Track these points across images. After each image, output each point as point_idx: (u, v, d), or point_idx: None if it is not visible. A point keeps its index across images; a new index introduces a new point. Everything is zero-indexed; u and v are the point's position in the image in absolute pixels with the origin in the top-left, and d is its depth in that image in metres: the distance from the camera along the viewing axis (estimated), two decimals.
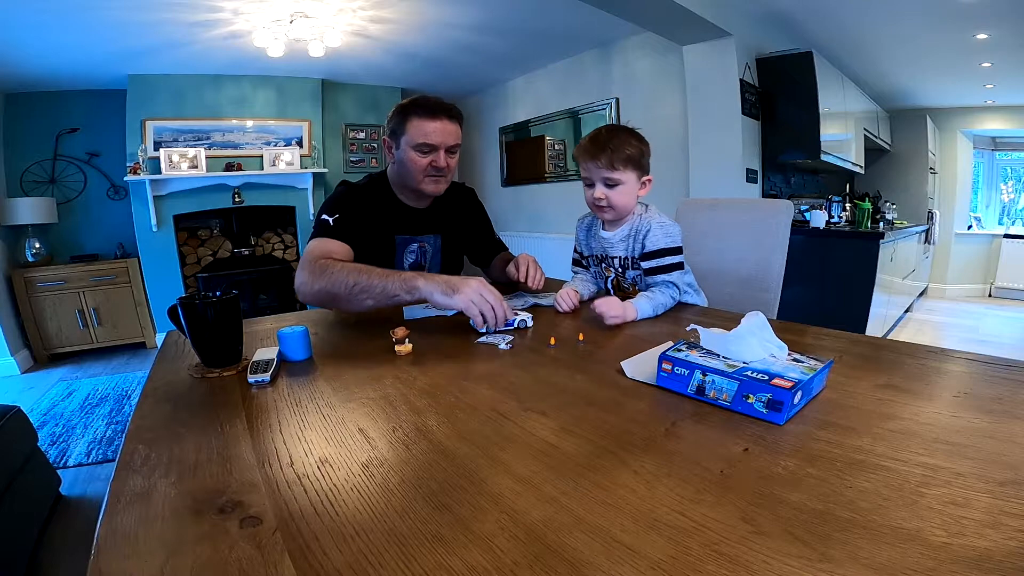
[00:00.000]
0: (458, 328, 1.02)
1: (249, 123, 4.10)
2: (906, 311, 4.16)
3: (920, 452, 0.50)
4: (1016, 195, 5.47)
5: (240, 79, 3.99)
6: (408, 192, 1.32)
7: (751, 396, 0.60)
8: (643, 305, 1.05)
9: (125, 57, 3.33)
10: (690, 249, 1.40)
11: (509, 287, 1.40)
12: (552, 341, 0.92)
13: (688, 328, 0.89)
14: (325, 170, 4.34)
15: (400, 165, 1.26)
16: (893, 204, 4.33)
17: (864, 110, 4.13)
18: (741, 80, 2.91)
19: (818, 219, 3.18)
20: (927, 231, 4.48)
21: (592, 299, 1.27)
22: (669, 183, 3.28)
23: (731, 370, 0.63)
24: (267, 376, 0.77)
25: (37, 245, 3.66)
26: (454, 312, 0.98)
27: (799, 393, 0.59)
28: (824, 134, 3.07)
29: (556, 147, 4.40)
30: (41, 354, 3.60)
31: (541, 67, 4.32)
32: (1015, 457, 0.48)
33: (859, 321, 2.86)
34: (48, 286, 3.57)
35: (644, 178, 1.15)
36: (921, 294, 4.77)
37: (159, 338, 3.99)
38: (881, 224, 3.80)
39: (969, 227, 5.17)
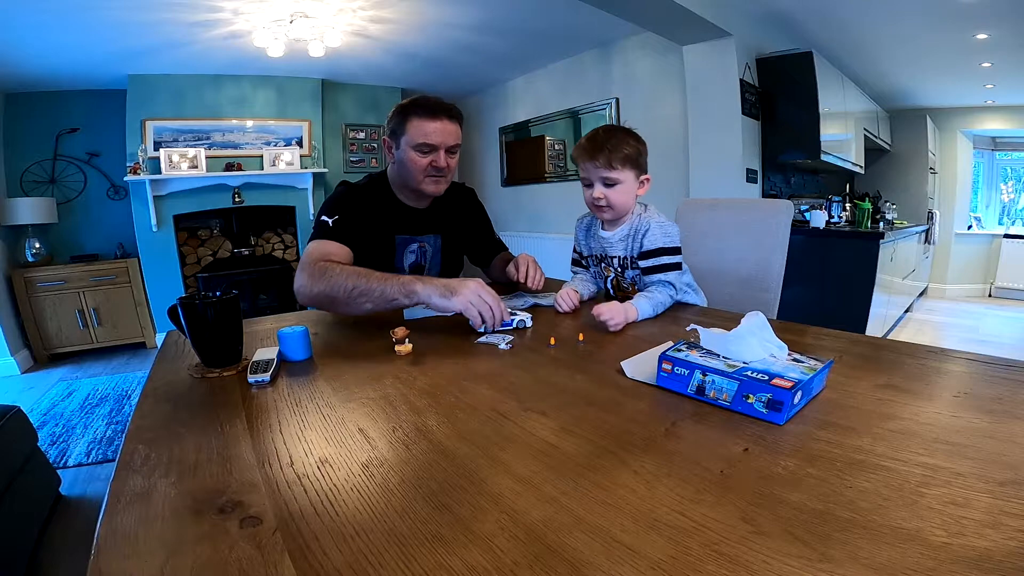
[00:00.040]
0: (458, 328, 1.02)
1: (249, 123, 4.10)
2: (906, 311, 4.16)
3: (920, 452, 0.50)
4: (1016, 195, 5.47)
5: (240, 79, 3.99)
6: (408, 192, 1.32)
7: (751, 396, 0.60)
8: (643, 305, 1.06)
9: (125, 57, 3.33)
10: (690, 249, 1.41)
11: (509, 287, 1.40)
12: (552, 341, 0.92)
13: (688, 328, 0.89)
14: (325, 170, 4.34)
15: (400, 165, 1.26)
16: (893, 204, 4.33)
17: (864, 110, 4.13)
18: (741, 80, 2.91)
19: (818, 219, 3.18)
20: (927, 231, 4.48)
21: (592, 299, 1.27)
22: (669, 183, 3.28)
23: (731, 370, 0.63)
24: (267, 376, 0.77)
25: (37, 245, 3.66)
26: (453, 313, 0.98)
27: (799, 393, 0.59)
28: (824, 134, 3.07)
29: (556, 147, 4.40)
30: (41, 354, 3.60)
31: (541, 67, 4.31)
32: (1015, 457, 0.48)
33: (859, 321, 2.86)
34: (48, 286, 3.57)
35: (642, 177, 1.15)
36: (921, 294, 4.77)
37: (159, 338, 3.99)
38: (881, 224, 3.80)
39: (969, 227, 5.17)
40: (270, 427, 0.62)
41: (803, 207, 3.52)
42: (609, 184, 1.12)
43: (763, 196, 3.22)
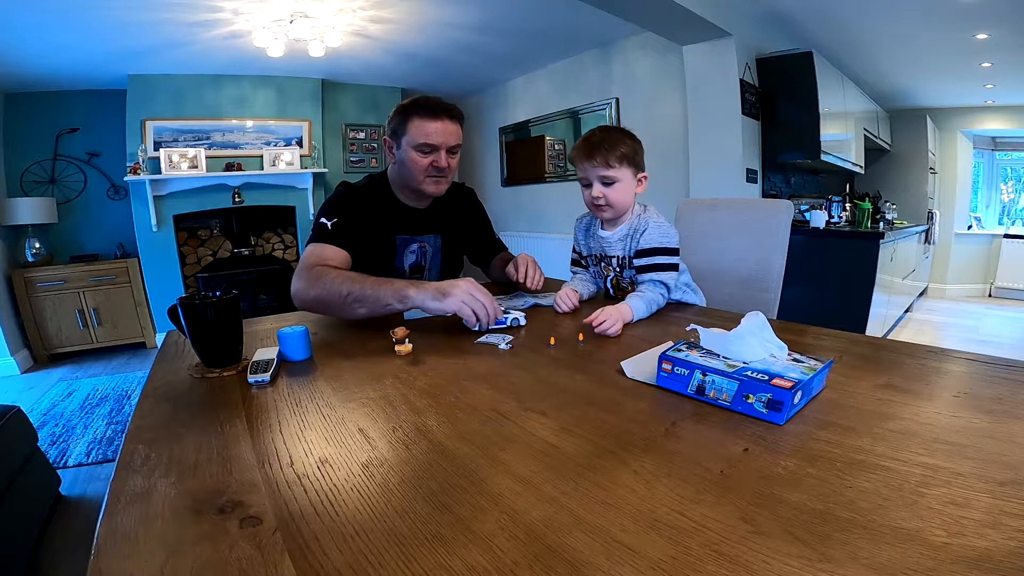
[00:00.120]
0: (458, 328, 1.02)
1: (249, 123, 4.10)
2: (906, 311, 4.16)
3: (920, 452, 0.50)
4: (1016, 195, 5.47)
5: (240, 79, 3.99)
6: (408, 192, 1.32)
7: (751, 396, 0.60)
8: (637, 304, 1.06)
9: (125, 57, 3.33)
10: (690, 249, 1.41)
11: (509, 287, 1.40)
12: (552, 341, 0.92)
13: (688, 328, 0.89)
14: (325, 170, 4.34)
15: (401, 165, 1.26)
16: (893, 204, 4.33)
17: (864, 110, 4.13)
18: (741, 80, 2.91)
19: (818, 219, 3.18)
20: (927, 231, 4.48)
21: (592, 299, 1.27)
22: (669, 183, 3.28)
23: (731, 370, 0.63)
24: (267, 376, 0.77)
25: (37, 245, 3.66)
26: (449, 314, 0.98)
27: (799, 393, 0.59)
28: (824, 134, 3.07)
29: (556, 147, 4.40)
30: (41, 354, 3.60)
31: (541, 67, 4.31)
32: (1015, 457, 0.48)
33: (859, 321, 2.85)
34: (48, 286, 3.57)
35: (640, 175, 1.16)
36: (921, 294, 4.77)
37: (159, 338, 3.99)
38: (881, 224, 3.80)
39: (969, 227, 5.17)
40: (270, 427, 0.62)
41: (803, 207, 3.52)
42: (607, 183, 1.12)
43: (763, 196, 3.22)
